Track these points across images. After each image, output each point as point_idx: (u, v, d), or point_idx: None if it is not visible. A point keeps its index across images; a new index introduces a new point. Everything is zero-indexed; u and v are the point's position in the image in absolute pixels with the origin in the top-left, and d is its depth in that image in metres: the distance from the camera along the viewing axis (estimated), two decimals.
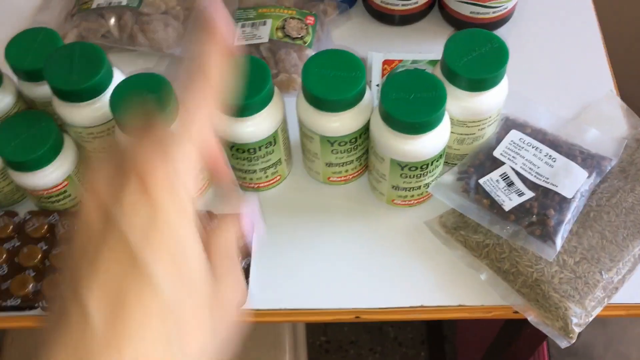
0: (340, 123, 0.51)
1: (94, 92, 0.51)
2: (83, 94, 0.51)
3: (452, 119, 0.53)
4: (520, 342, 0.81)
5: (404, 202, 0.56)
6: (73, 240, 0.27)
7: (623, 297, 0.51)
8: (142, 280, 0.26)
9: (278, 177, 0.58)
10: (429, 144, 0.50)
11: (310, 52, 0.62)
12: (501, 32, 0.67)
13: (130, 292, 0.25)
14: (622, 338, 1.11)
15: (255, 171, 0.55)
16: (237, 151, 0.53)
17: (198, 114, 0.29)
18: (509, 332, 0.82)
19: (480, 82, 0.50)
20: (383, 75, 0.64)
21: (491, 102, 0.52)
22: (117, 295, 0.25)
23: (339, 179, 0.58)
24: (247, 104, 0.49)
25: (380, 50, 0.66)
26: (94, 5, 0.65)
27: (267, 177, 0.57)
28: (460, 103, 0.52)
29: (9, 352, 0.90)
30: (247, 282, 0.53)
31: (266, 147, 0.53)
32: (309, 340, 1.04)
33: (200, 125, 0.29)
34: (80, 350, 0.25)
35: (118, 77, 0.54)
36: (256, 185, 0.58)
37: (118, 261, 0.26)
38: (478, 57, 0.50)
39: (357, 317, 0.54)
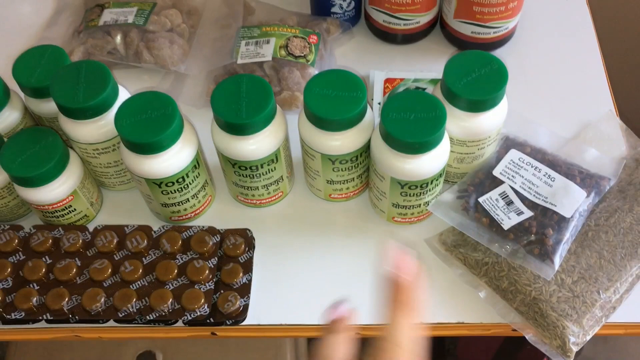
0: (342, 142, 0.52)
1: (99, 110, 0.52)
2: (88, 112, 0.52)
3: (452, 139, 0.53)
4: (521, 357, 0.81)
5: (404, 220, 0.57)
6: None
7: (621, 316, 0.52)
8: None
9: (280, 194, 0.59)
10: (429, 163, 0.50)
11: (313, 71, 0.63)
12: (502, 52, 0.68)
13: None
14: (623, 353, 1.11)
15: (257, 188, 0.56)
16: (240, 168, 0.54)
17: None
18: (510, 347, 0.83)
19: (479, 103, 0.51)
20: (385, 93, 0.64)
21: (490, 122, 0.53)
22: None
23: (340, 196, 0.58)
24: (250, 122, 0.50)
25: (382, 68, 0.66)
26: (101, 23, 0.66)
27: (269, 193, 0.57)
28: (459, 123, 0.53)
29: None
30: (248, 298, 0.53)
31: (268, 165, 0.54)
32: (310, 353, 1.04)
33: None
34: None
35: (123, 94, 0.55)
36: (258, 202, 0.58)
37: None
38: (477, 78, 0.51)
39: (357, 334, 0.54)
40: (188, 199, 0.55)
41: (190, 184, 0.54)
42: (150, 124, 0.49)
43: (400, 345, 0.32)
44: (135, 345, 0.92)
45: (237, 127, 0.50)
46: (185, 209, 0.56)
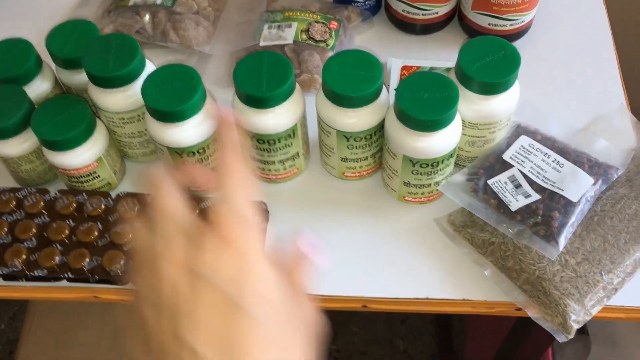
0: (357, 119, 0.54)
1: (126, 80, 0.55)
2: (117, 81, 0.55)
3: (464, 121, 0.55)
4: (524, 352, 0.82)
5: (414, 199, 0.59)
6: (157, 304, 0.31)
7: (622, 299, 0.53)
8: (245, 321, 0.30)
9: (295, 170, 0.61)
10: (440, 142, 0.52)
11: (332, 55, 0.65)
12: (517, 45, 0.69)
13: (237, 333, 0.29)
14: (631, 358, 1.11)
15: (274, 162, 0.58)
16: (258, 142, 0.56)
17: (236, 175, 0.34)
18: (513, 343, 0.84)
19: (492, 85, 0.53)
20: (401, 80, 0.66)
21: (502, 106, 0.55)
22: (226, 338, 0.29)
23: (353, 175, 0.60)
24: (270, 96, 0.52)
25: (399, 57, 0.68)
26: (131, 3, 0.69)
27: (284, 169, 0.59)
28: (472, 106, 0.54)
29: (28, 339, 0.93)
30: None
31: (285, 139, 0.56)
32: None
33: (241, 181, 0.34)
34: None
35: (150, 67, 0.57)
36: (274, 177, 0.60)
37: (217, 310, 0.29)
38: (491, 62, 0.53)
39: (364, 306, 0.56)
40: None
41: (210, 155, 0.56)
42: (175, 94, 0.52)
43: (232, 205, 0.32)
44: None
45: (257, 100, 0.53)
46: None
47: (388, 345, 1.39)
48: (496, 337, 0.97)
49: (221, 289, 0.30)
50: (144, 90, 0.52)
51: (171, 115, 0.52)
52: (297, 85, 0.55)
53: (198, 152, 0.55)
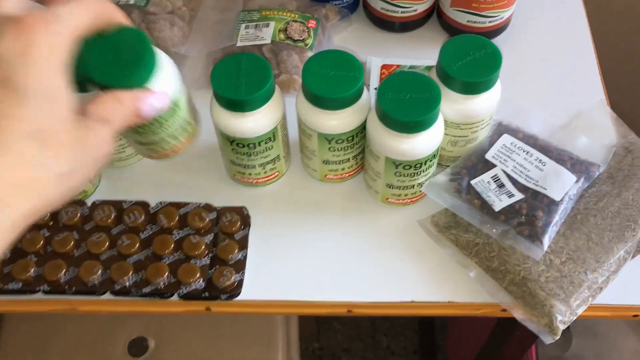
0: (338, 121, 0.53)
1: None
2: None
3: (446, 121, 0.54)
4: (508, 350, 0.82)
5: (397, 201, 0.58)
6: None
7: (607, 298, 0.53)
8: (14, 97, 0.31)
9: (276, 174, 0.60)
10: (423, 143, 0.51)
11: (311, 55, 0.64)
12: (497, 42, 0.69)
13: (1, 105, 0.31)
14: (612, 349, 1.12)
15: (254, 166, 0.57)
16: (237, 146, 0.55)
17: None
18: (493, 345, 0.84)
19: (473, 85, 0.52)
20: (381, 79, 0.65)
21: (484, 105, 0.54)
22: None
23: (335, 177, 0.59)
24: (249, 99, 0.51)
25: (379, 55, 0.68)
26: None
27: (265, 172, 0.58)
28: (454, 105, 0.54)
29: (6, 346, 0.91)
30: (243, 273, 0.54)
31: (265, 143, 0.55)
32: (302, 346, 1.05)
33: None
34: None
35: None
36: (254, 181, 0.59)
37: None
38: (472, 61, 0.52)
39: (349, 311, 0.55)
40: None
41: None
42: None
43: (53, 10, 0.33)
44: (128, 331, 0.92)
45: (235, 103, 0.51)
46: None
47: (371, 341, 1.39)
48: (478, 332, 0.97)
49: (4, 65, 0.31)
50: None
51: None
52: (277, 88, 0.54)
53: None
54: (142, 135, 0.43)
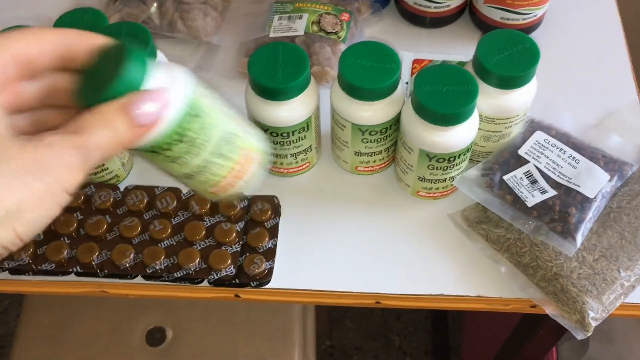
0: (373, 112, 0.53)
1: None
2: None
3: (480, 116, 0.54)
4: (528, 350, 0.82)
5: (428, 194, 0.58)
6: None
7: (639, 296, 0.53)
8: None
9: (307, 164, 0.60)
10: (458, 136, 0.51)
11: (343, 47, 0.64)
12: None
13: None
14: (629, 355, 1.11)
15: (286, 156, 0.57)
16: (271, 135, 0.55)
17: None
18: (514, 344, 0.83)
19: (511, 79, 0.52)
20: (412, 73, 0.65)
21: (520, 100, 0.54)
22: None
23: (366, 169, 0.59)
24: (284, 88, 0.51)
25: (409, 50, 0.68)
26: None
27: (297, 162, 0.58)
28: (489, 100, 0.54)
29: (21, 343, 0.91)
30: (273, 262, 0.54)
31: (299, 132, 0.55)
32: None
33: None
34: None
35: (160, 57, 0.56)
36: (286, 170, 0.59)
37: None
38: (510, 55, 0.52)
39: (377, 302, 0.55)
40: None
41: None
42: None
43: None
44: (146, 321, 0.93)
45: (272, 92, 0.52)
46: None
47: (383, 340, 1.39)
48: (495, 335, 0.97)
49: None
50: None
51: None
52: (312, 78, 0.54)
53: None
54: (179, 162, 0.35)
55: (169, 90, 0.32)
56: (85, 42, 0.33)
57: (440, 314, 1.37)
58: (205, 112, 0.35)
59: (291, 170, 0.59)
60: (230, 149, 0.36)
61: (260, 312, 0.93)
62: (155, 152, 0.34)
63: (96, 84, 0.32)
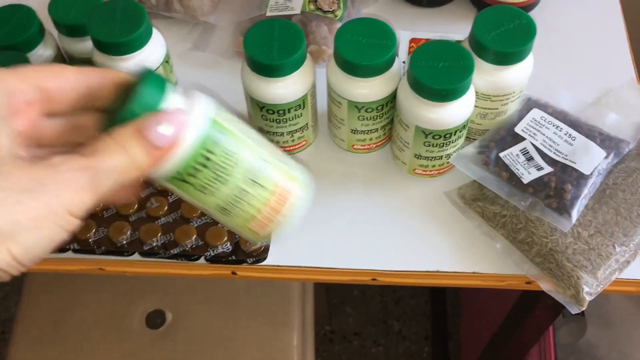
0: (369, 89, 0.53)
1: (133, 46, 0.54)
2: (123, 47, 0.53)
3: (477, 93, 0.54)
4: (521, 337, 0.82)
5: (424, 172, 0.58)
6: None
7: (633, 272, 0.53)
8: None
9: (304, 142, 0.60)
10: (454, 112, 0.51)
11: (340, 26, 0.64)
12: None
13: None
14: (627, 339, 1.12)
15: (282, 134, 0.57)
16: (267, 112, 0.55)
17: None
18: (511, 326, 0.84)
19: (507, 55, 0.52)
20: (409, 52, 0.65)
21: (516, 77, 0.54)
22: None
23: (363, 147, 0.60)
24: (280, 64, 0.51)
25: (407, 29, 0.67)
26: None
27: (293, 141, 0.59)
28: (486, 76, 0.54)
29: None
30: (270, 239, 0.55)
31: (295, 110, 0.55)
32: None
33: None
34: None
35: (156, 36, 0.56)
36: (282, 149, 0.59)
37: None
38: (506, 31, 0.52)
39: (373, 279, 0.55)
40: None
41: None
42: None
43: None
44: (145, 304, 0.93)
45: (267, 68, 0.52)
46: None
47: (382, 325, 1.40)
48: (491, 319, 0.97)
49: None
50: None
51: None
52: (308, 55, 0.54)
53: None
54: (207, 191, 0.33)
55: (187, 112, 0.32)
56: (109, 81, 0.32)
57: (439, 299, 1.38)
58: (228, 134, 0.33)
59: (288, 148, 0.59)
60: (263, 176, 0.34)
61: (259, 295, 0.94)
62: (183, 181, 0.33)
63: (114, 112, 0.31)
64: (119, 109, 0.31)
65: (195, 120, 0.32)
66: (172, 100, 0.31)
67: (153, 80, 0.31)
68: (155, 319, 0.92)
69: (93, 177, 0.28)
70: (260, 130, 0.58)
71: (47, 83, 0.31)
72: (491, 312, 1.02)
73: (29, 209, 0.27)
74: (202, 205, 0.34)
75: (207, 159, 0.32)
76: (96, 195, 0.29)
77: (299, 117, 0.56)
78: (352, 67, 0.52)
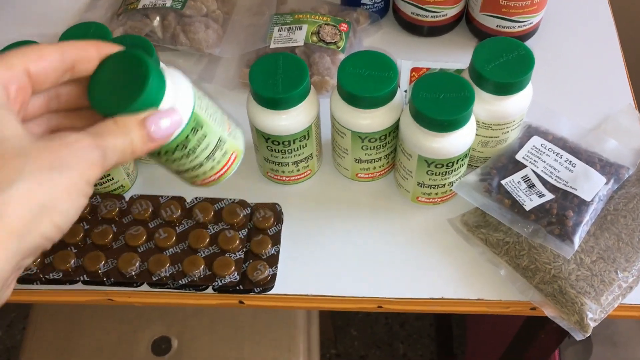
0: (372, 120, 0.54)
1: None
2: None
3: (477, 122, 0.55)
4: (530, 355, 0.82)
5: (428, 200, 0.59)
6: None
7: (637, 297, 0.53)
8: None
9: (309, 172, 0.61)
10: (456, 142, 0.52)
11: (342, 57, 0.66)
12: None
13: None
14: (633, 358, 1.12)
15: (287, 164, 0.58)
16: (272, 143, 0.56)
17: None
18: (517, 349, 0.84)
19: (506, 86, 0.53)
20: (411, 81, 0.67)
21: (516, 106, 0.55)
22: None
23: (366, 176, 0.60)
24: (285, 97, 0.52)
25: (408, 59, 0.69)
26: (140, 6, 0.69)
27: (298, 170, 0.60)
28: (486, 106, 0.55)
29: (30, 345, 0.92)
30: (276, 268, 0.55)
31: (300, 141, 0.56)
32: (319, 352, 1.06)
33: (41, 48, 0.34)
34: None
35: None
36: (287, 179, 0.60)
37: None
38: (505, 62, 0.53)
39: (379, 307, 0.56)
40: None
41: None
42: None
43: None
44: (151, 331, 0.93)
45: (272, 101, 0.53)
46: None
47: (388, 348, 1.39)
48: (498, 339, 0.97)
49: None
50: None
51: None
52: (312, 87, 0.56)
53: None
54: (174, 163, 0.41)
55: (177, 110, 0.37)
56: (91, 54, 0.35)
57: (444, 321, 1.38)
58: (204, 124, 0.40)
59: (292, 178, 0.60)
60: (221, 153, 0.43)
61: (264, 320, 0.94)
62: (158, 155, 0.39)
63: (115, 94, 0.35)
64: (115, 84, 0.36)
65: (184, 115, 0.38)
66: (167, 96, 0.36)
67: (156, 74, 0.35)
68: (160, 345, 0.93)
69: (102, 155, 0.33)
70: (266, 160, 0.59)
71: (33, 67, 0.34)
72: (497, 334, 1.02)
73: (60, 184, 0.31)
74: (164, 166, 0.41)
75: (184, 146, 0.39)
76: (103, 169, 0.33)
77: (303, 147, 0.57)
78: (355, 99, 0.53)
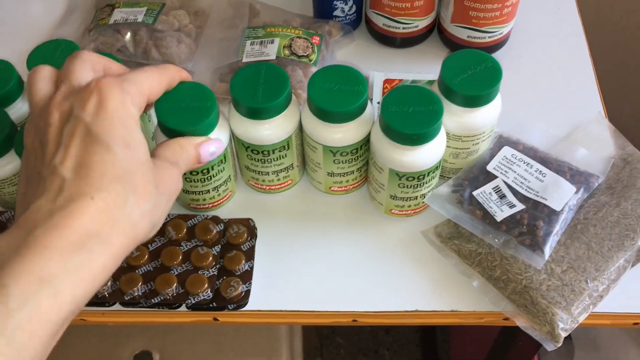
0: (343, 134, 0.54)
1: None
2: None
3: (448, 134, 0.56)
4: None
5: (401, 212, 0.59)
6: (41, 140, 0.39)
7: (608, 306, 0.54)
8: (100, 147, 0.37)
9: (290, 182, 0.61)
10: (426, 155, 0.53)
11: (315, 70, 0.66)
12: (497, 56, 0.70)
13: (92, 156, 0.37)
14: None
15: (267, 173, 0.58)
16: (252, 152, 0.56)
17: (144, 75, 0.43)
18: (499, 353, 0.84)
19: (474, 98, 0.53)
20: (384, 93, 0.67)
21: (485, 118, 0.55)
22: (82, 159, 0.37)
23: (340, 189, 0.61)
24: (266, 107, 0.52)
25: (381, 70, 0.69)
26: (111, 21, 0.69)
27: (279, 180, 0.59)
28: (456, 118, 0.55)
29: None
30: (250, 284, 0.55)
31: (280, 151, 0.56)
32: None
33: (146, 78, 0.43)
34: (59, 197, 0.36)
35: None
36: (268, 187, 0.60)
37: (77, 136, 0.37)
38: (473, 75, 0.54)
39: (354, 320, 0.56)
40: (209, 190, 0.57)
41: (213, 176, 0.56)
42: (189, 114, 0.49)
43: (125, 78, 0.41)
44: (132, 345, 0.93)
45: (253, 111, 0.53)
46: (204, 199, 0.58)
47: (373, 355, 1.39)
48: (481, 344, 0.98)
49: (81, 118, 0.37)
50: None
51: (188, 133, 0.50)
52: (294, 98, 0.56)
53: (202, 172, 0.55)
54: (188, 184, 0.53)
55: (223, 141, 0.51)
56: (179, 79, 0.47)
57: (429, 328, 1.38)
58: (227, 160, 0.54)
59: (273, 187, 0.60)
60: (224, 188, 0.56)
61: (246, 332, 0.94)
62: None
63: (181, 115, 0.48)
64: (181, 106, 0.48)
65: (223, 146, 0.51)
66: (217, 128, 0.51)
67: (213, 114, 0.49)
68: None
69: (179, 172, 0.44)
70: (247, 168, 0.58)
71: (152, 95, 0.44)
72: (479, 340, 1.02)
73: (165, 205, 0.42)
74: None
75: (207, 171, 0.54)
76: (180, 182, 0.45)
77: (283, 157, 0.57)
78: (325, 113, 0.53)
